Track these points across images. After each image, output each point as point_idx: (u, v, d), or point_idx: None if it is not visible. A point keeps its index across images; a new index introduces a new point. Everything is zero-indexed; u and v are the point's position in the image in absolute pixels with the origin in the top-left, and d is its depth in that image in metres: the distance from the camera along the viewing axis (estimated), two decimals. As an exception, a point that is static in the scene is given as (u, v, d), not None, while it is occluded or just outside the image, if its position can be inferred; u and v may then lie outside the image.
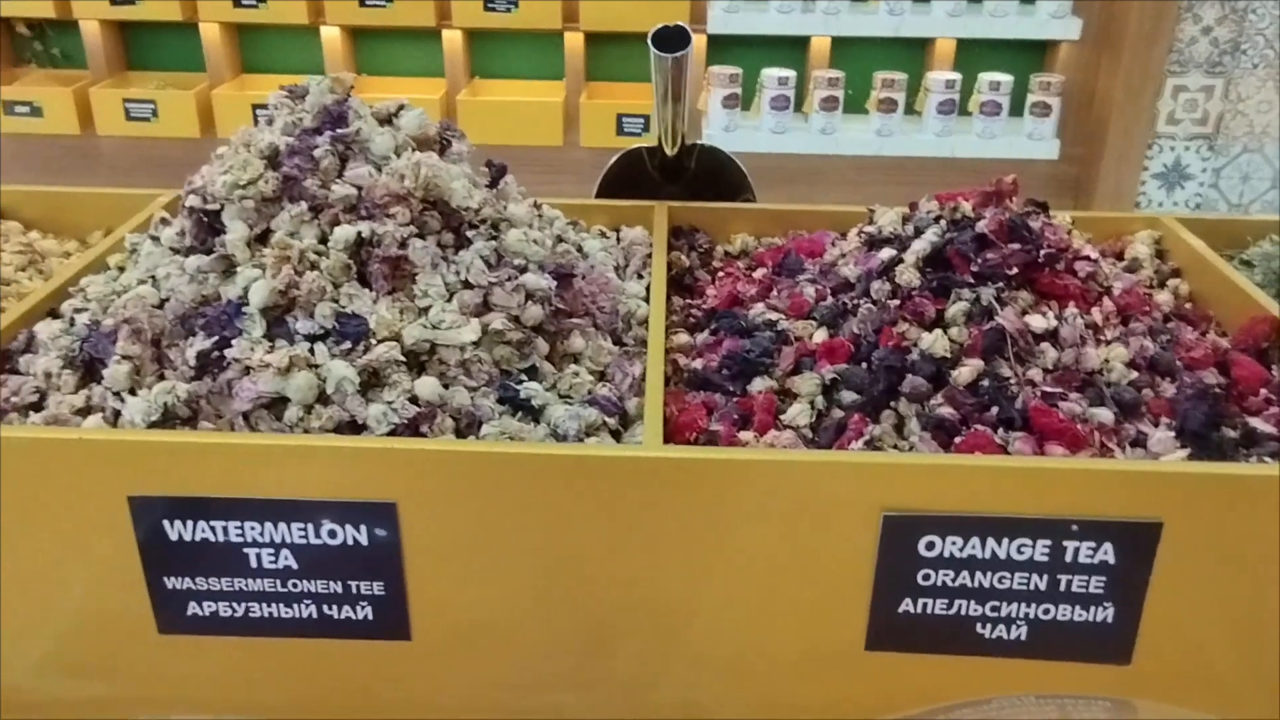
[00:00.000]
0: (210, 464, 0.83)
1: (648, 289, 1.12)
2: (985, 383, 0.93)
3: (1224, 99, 3.05)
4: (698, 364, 1.02)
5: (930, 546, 0.83)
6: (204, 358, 0.90)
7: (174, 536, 0.85)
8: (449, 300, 0.94)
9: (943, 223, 1.05)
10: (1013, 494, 0.82)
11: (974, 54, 3.07)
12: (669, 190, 1.37)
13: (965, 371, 0.93)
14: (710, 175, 1.39)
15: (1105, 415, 0.91)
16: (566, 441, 0.89)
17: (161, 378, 0.91)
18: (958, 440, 0.89)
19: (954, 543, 0.83)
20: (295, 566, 0.86)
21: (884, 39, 2.99)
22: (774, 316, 1.06)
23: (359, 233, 0.94)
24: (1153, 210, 3.14)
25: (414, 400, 0.89)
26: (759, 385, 0.98)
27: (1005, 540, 0.82)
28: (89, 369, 0.94)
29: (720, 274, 1.22)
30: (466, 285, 0.95)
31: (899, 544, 0.83)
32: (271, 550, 0.85)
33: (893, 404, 0.93)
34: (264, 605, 0.87)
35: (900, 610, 0.85)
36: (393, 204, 0.96)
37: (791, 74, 2.97)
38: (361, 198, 0.96)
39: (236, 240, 0.95)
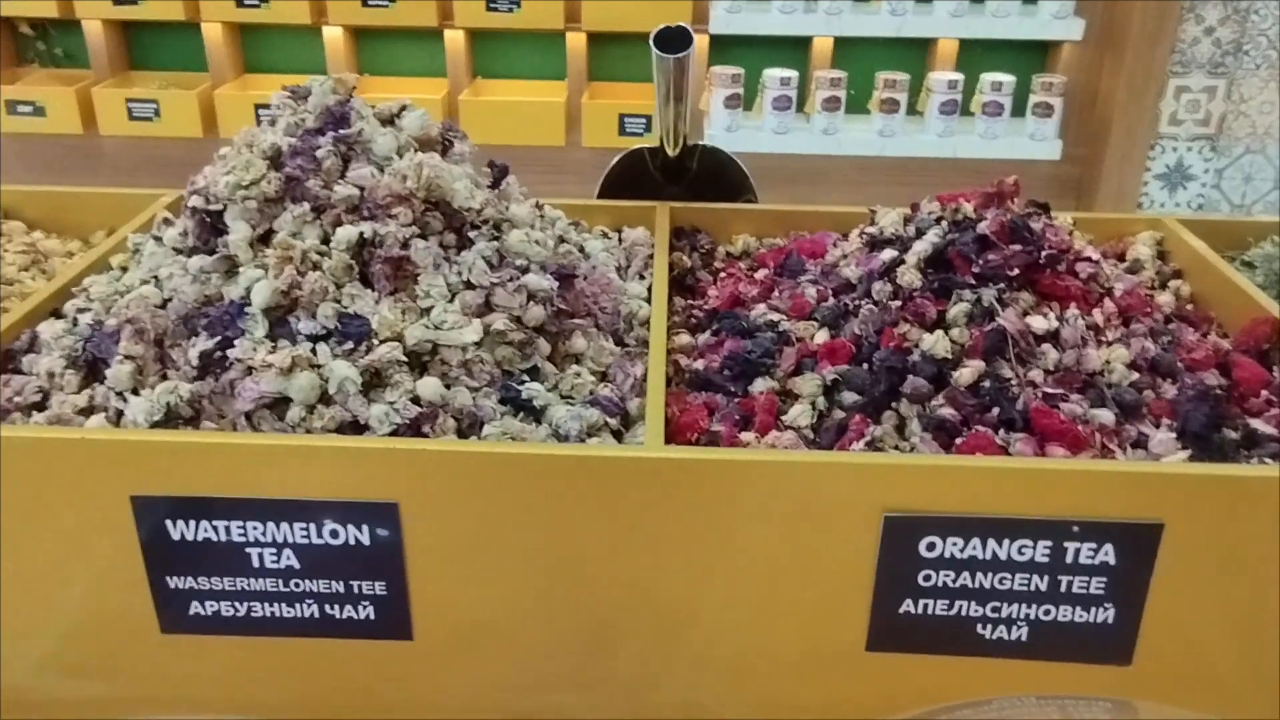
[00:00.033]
0: (213, 464, 0.83)
1: (649, 289, 1.12)
2: (986, 384, 0.93)
3: (1226, 100, 3.05)
4: (699, 365, 1.03)
5: (931, 547, 0.83)
6: (206, 358, 0.90)
7: (176, 536, 0.85)
8: (451, 301, 0.94)
9: (944, 224, 1.05)
10: (1014, 495, 0.82)
11: (976, 54, 3.07)
12: (671, 191, 1.37)
13: (966, 372, 0.93)
14: (712, 176, 1.39)
15: (1106, 416, 0.91)
16: (568, 442, 0.89)
17: (164, 378, 0.91)
18: (959, 441, 0.89)
19: (955, 543, 0.83)
20: (297, 566, 0.86)
21: (886, 39, 2.99)
22: (775, 317, 1.06)
23: (361, 233, 0.94)
24: (1155, 211, 3.14)
25: (416, 400, 0.89)
26: (760, 386, 0.98)
27: (1006, 541, 0.83)
28: (92, 369, 0.94)
29: (722, 275, 1.22)
30: (468, 286, 0.95)
31: (900, 545, 0.83)
32: (274, 550, 0.85)
33: (894, 405, 0.93)
34: (266, 605, 0.87)
35: (901, 611, 0.85)
36: (395, 204, 0.96)
37: (794, 74, 2.97)
38: (364, 198, 0.97)
39: (239, 240, 0.96)
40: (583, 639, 0.89)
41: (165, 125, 3.11)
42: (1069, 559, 0.83)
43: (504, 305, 0.95)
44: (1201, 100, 3.05)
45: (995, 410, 0.91)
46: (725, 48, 3.08)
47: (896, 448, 0.90)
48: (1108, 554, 0.82)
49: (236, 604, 0.88)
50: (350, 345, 0.90)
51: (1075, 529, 0.82)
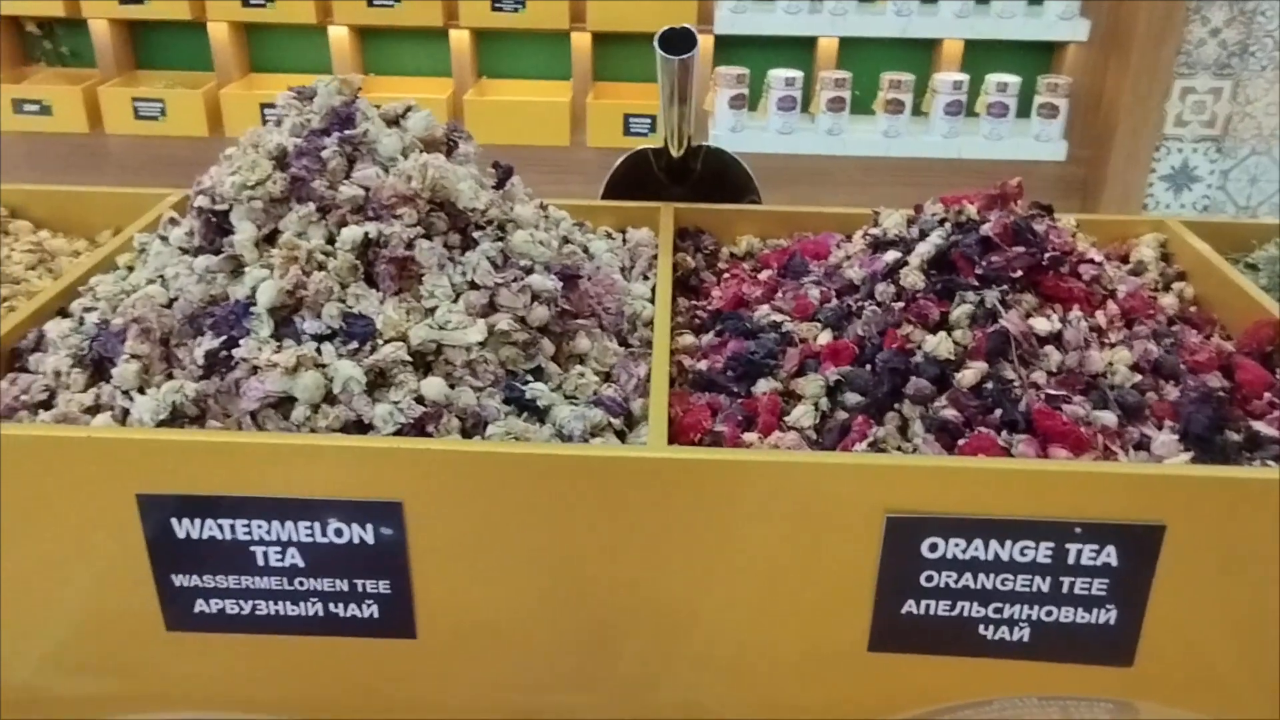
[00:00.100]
0: (218, 463, 0.84)
1: (653, 290, 1.13)
2: (989, 385, 0.93)
3: (1232, 101, 3.04)
4: (702, 365, 1.03)
5: (933, 548, 0.83)
6: (212, 357, 0.90)
7: (182, 534, 0.85)
8: (455, 301, 0.95)
9: (947, 225, 1.05)
10: (1016, 496, 0.82)
11: (981, 55, 3.07)
12: (675, 192, 1.38)
13: (969, 374, 0.93)
14: (716, 177, 1.39)
15: (1109, 418, 0.91)
16: (572, 442, 0.89)
17: (170, 377, 0.92)
18: (961, 442, 0.89)
19: (957, 544, 0.83)
20: (302, 565, 0.86)
21: (891, 40, 2.99)
22: (779, 318, 1.06)
23: (366, 233, 0.94)
24: (1160, 212, 3.14)
25: (420, 400, 0.89)
26: (763, 387, 0.98)
27: (1008, 542, 0.83)
28: (98, 368, 0.95)
29: (725, 275, 1.23)
30: (473, 286, 0.96)
31: (902, 545, 0.83)
32: (278, 548, 0.86)
33: (897, 406, 0.93)
34: (271, 603, 0.88)
35: (903, 611, 0.85)
36: (400, 205, 0.96)
37: (798, 75, 2.97)
38: (369, 198, 0.97)
39: (245, 240, 0.96)
40: (585, 638, 0.90)
41: (171, 124, 3.12)
42: (1071, 560, 0.83)
43: (508, 305, 0.95)
44: (1207, 101, 3.05)
45: (998, 412, 0.91)
46: (730, 48, 3.09)
47: (899, 449, 0.91)
48: (1110, 555, 0.83)
49: (241, 602, 0.88)
50: (355, 345, 0.90)
51: (1077, 530, 0.82)
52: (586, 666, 0.91)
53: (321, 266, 0.94)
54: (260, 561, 0.86)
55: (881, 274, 1.03)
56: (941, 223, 1.06)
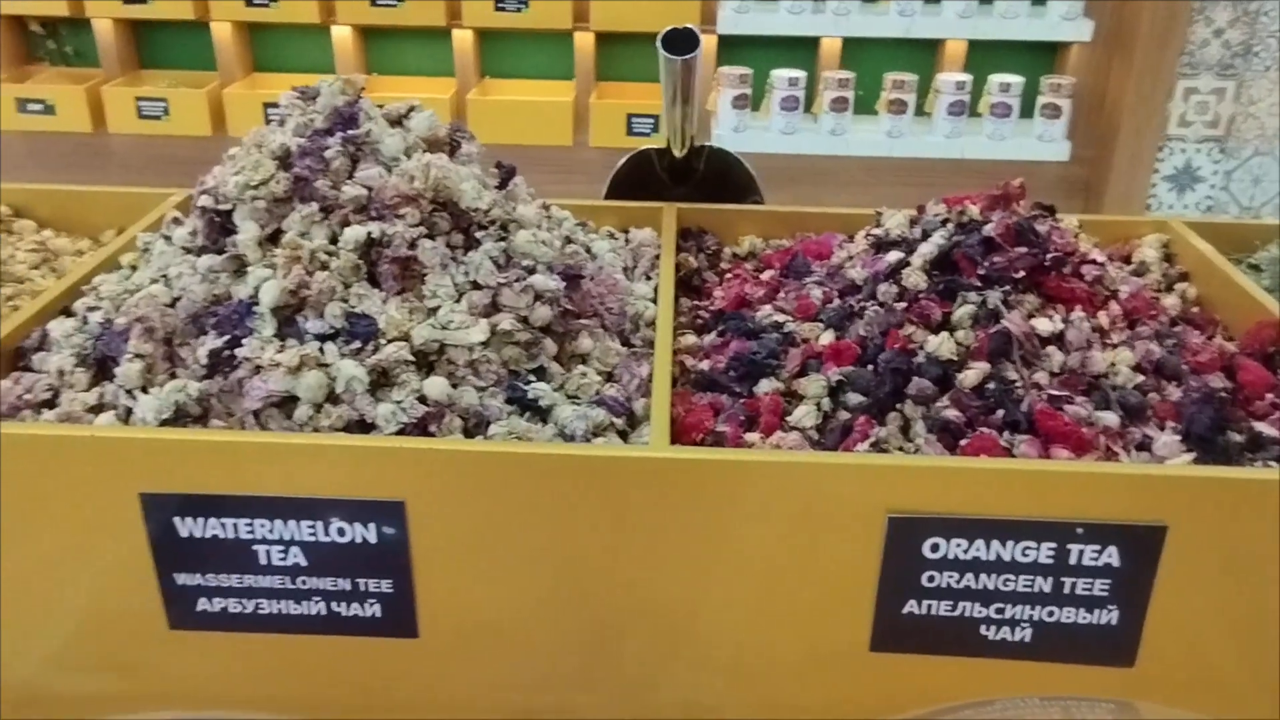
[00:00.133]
0: (221, 462, 0.84)
1: (656, 290, 1.13)
2: (991, 385, 0.93)
3: (1235, 101, 3.04)
4: (705, 365, 1.03)
5: (935, 548, 0.83)
6: (215, 356, 0.90)
7: (185, 533, 0.85)
8: (458, 301, 0.95)
9: (950, 226, 1.05)
10: (1018, 496, 0.82)
11: (984, 55, 3.07)
12: (677, 192, 1.38)
13: (971, 374, 0.93)
14: (719, 177, 1.39)
15: (1111, 419, 0.91)
16: (574, 442, 0.90)
17: (173, 376, 0.92)
18: (963, 443, 0.89)
19: (959, 545, 0.83)
20: (304, 564, 0.86)
21: (894, 40, 2.99)
22: (781, 318, 1.07)
23: (369, 233, 0.95)
24: (1163, 213, 3.13)
25: (422, 400, 0.89)
26: (765, 387, 0.98)
27: (1010, 542, 0.83)
28: (101, 367, 0.95)
29: (728, 276, 1.23)
30: (475, 286, 0.96)
31: (904, 546, 0.83)
32: (281, 547, 0.86)
33: (899, 406, 0.93)
34: (273, 602, 0.88)
35: (905, 611, 0.85)
36: (402, 205, 0.96)
37: (801, 75, 2.97)
38: (372, 198, 0.97)
39: (248, 240, 0.96)
40: (587, 638, 0.90)
41: (174, 124, 3.13)
42: (1073, 561, 0.83)
43: (511, 305, 0.95)
44: (1210, 102, 3.04)
45: (1000, 412, 0.91)
46: (733, 48, 3.09)
47: (901, 449, 0.91)
48: (1111, 556, 0.83)
49: (244, 601, 0.88)
50: (358, 345, 0.91)
51: (1079, 531, 0.82)
52: (588, 666, 0.91)
53: (324, 266, 0.94)
54: (263, 560, 0.86)
55: (884, 274, 1.04)
56: (944, 223, 1.06)
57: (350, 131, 1.01)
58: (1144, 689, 0.86)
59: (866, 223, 1.19)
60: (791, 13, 2.91)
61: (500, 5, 3.01)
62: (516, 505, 0.84)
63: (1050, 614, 0.85)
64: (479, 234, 0.99)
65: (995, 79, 2.96)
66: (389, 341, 0.91)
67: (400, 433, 0.87)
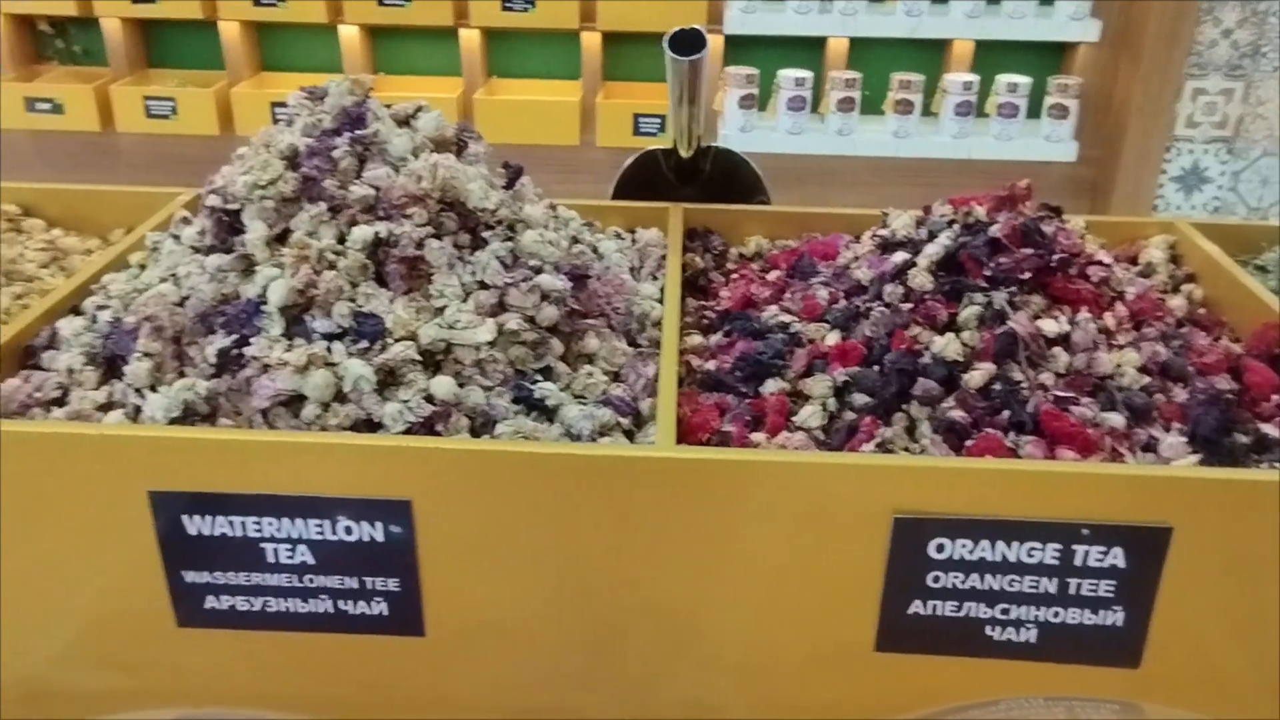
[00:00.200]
0: (229, 460, 0.84)
1: (662, 290, 1.13)
2: (997, 386, 0.93)
3: (1244, 102, 3.03)
4: (711, 365, 1.03)
5: (940, 549, 0.83)
6: (223, 355, 0.91)
7: (193, 531, 0.86)
8: (465, 300, 0.95)
9: (956, 227, 1.05)
10: (1023, 497, 0.82)
11: (992, 55, 3.06)
12: (684, 192, 1.38)
13: (977, 375, 0.93)
14: (725, 177, 1.39)
15: (1116, 420, 0.92)
16: (580, 441, 0.90)
17: (182, 375, 0.92)
18: (969, 443, 0.89)
19: (964, 545, 0.83)
20: (312, 562, 0.87)
21: (901, 40, 2.99)
22: (787, 319, 1.07)
23: (376, 233, 0.95)
24: (1171, 214, 3.13)
25: (429, 399, 0.89)
26: (771, 387, 0.98)
27: (1015, 543, 0.83)
28: (110, 365, 0.95)
29: (734, 276, 1.23)
30: (482, 285, 0.96)
31: (909, 546, 0.83)
32: (288, 546, 0.86)
33: (904, 407, 0.94)
34: (281, 600, 0.88)
35: (910, 612, 0.86)
36: (410, 205, 0.97)
37: (808, 75, 2.97)
38: (379, 198, 0.97)
39: (256, 240, 0.97)
40: (593, 637, 0.90)
41: (182, 123, 3.13)
42: (1078, 562, 0.83)
43: (517, 305, 0.95)
44: (1218, 103, 3.04)
45: (1005, 413, 0.91)
46: (740, 48, 3.09)
47: (906, 449, 0.91)
48: (1117, 557, 0.83)
49: (251, 599, 0.88)
50: (365, 344, 0.91)
51: (1085, 532, 0.82)
52: (594, 665, 0.92)
53: (332, 266, 0.94)
54: (270, 558, 0.87)
55: (890, 275, 1.04)
56: (950, 224, 1.06)
57: (358, 131, 1.01)
58: (1149, 690, 0.86)
59: (873, 223, 1.19)
60: (798, 13, 2.91)
61: (507, 5, 3.02)
62: (523, 504, 0.85)
63: (1055, 615, 0.85)
64: (486, 234, 1.00)
65: (1002, 79, 2.96)
66: (396, 341, 0.91)
67: (407, 432, 0.88)
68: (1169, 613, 0.84)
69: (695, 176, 1.38)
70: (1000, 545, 0.83)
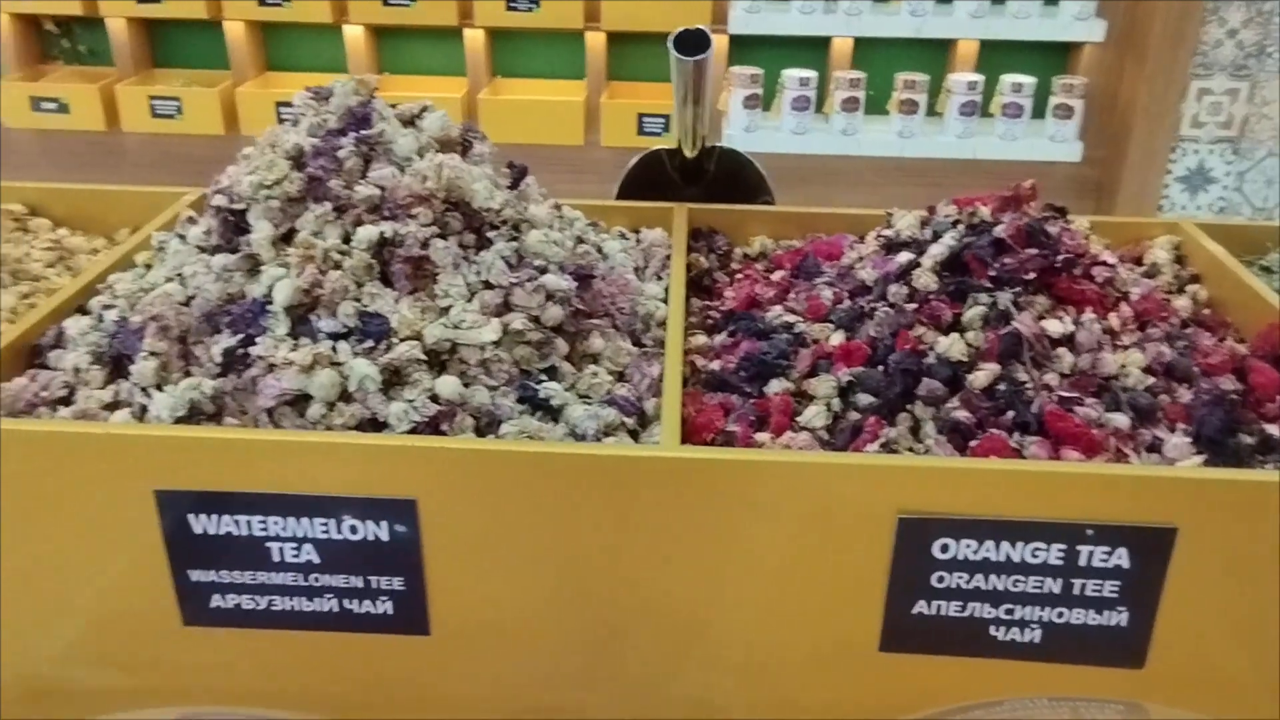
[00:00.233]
0: (235, 459, 0.84)
1: (667, 290, 1.13)
2: (1001, 387, 0.93)
3: (1249, 102, 3.03)
4: (715, 365, 1.03)
5: (945, 549, 0.83)
6: (229, 355, 0.91)
7: (198, 530, 0.86)
8: (470, 300, 0.95)
9: (960, 227, 1.05)
10: (1028, 498, 0.82)
11: (996, 55, 3.06)
12: (689, 192, 1.38)
13: (981, 375, 0.93)
14: (730, 177, 1.40)
15: (1121, 420, 0.92)
16: (585, 441, 0.90)
17: (188, 374, 0.93)
18: (973, 444, 0.89)
19: (968, 545, 0.83)
20: (317, 561, 0.87)
21: (906, 40, 2.99)
22: (791, 319, 1.07)
23: (382, 233, 0.95)
24: (1176, 214, 3.12)
25: (434, 399, 0.90)
26: (776, 387, 0.98)
27: (1020, 544, 0.83)
28: (117, 365, 0.96)
29: (738, 276, 1.23)
30: (487, 285, 0.96)
31: (913, 546, 0.83)
32: (294, 545, 0.86)
33: (909, 407, 0.94)
34: (286, 599, 0.89)
35: (914, 612, 0.86)
36: (415, 205, 0.97)
37: (813, 75, 2.97)
38: (384, 198, 0.98)
39: (262, 239, 0.97)
40: (597, 636, 0.90)
41: (187, 122, 3.14)
42: (1082, 562, 0.83)
43: (522, 305, 0.96)
44: (1224, 103, 3.03)
45: (1010, 413, 0.91)
46: (744, 48, 3.09)
47: (911, 450, 0.91)
48: (1121, 558, 0.83)
49: (257, 598, 0.89)
50: (370, 344, 0.91)
51: (1089, 532, 0.82)
52: (598, 665, 0.92)
53: (337, 265, 0.94)
54: (276, 557, 0.87)
55: (894, 275, 1.04)
56: (955, 224, 1.06)
57: (363, 131, 1.01)
58: (1153, 690, 0.86)
59: (877, 223, 1.19)
60: (803, 13, 2.91)
61: (512, 5, 3.02)
62: (528, 504, 0.85)
63: (1060, 615, 0.85)
64: (491, 234, 1.00)
65: (1007, 79, 2.96)
66: (401, 340, 0.91)
67: (412, 431, 0.88)
68: (1173, 613, 0.84)
69: (700, 176, 1.38)
70: (1005, 545, 0.83)
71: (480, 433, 0.90)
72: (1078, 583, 0.84)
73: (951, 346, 0.95)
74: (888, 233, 1.13)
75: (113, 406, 0.93)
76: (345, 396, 0.89)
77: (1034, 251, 1.00)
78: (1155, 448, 0.91)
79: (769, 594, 0.87)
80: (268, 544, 0.86)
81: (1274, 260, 1.24)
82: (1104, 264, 1.05)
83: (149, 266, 1.12)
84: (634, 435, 0.93)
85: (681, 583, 0.87)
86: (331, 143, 1.00)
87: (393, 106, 1.07)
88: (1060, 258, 1.00)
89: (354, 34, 3.17)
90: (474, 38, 3.15)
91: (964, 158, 2.99)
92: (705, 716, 0.93)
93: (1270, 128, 3.05)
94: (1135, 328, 1.03)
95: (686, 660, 0.91)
